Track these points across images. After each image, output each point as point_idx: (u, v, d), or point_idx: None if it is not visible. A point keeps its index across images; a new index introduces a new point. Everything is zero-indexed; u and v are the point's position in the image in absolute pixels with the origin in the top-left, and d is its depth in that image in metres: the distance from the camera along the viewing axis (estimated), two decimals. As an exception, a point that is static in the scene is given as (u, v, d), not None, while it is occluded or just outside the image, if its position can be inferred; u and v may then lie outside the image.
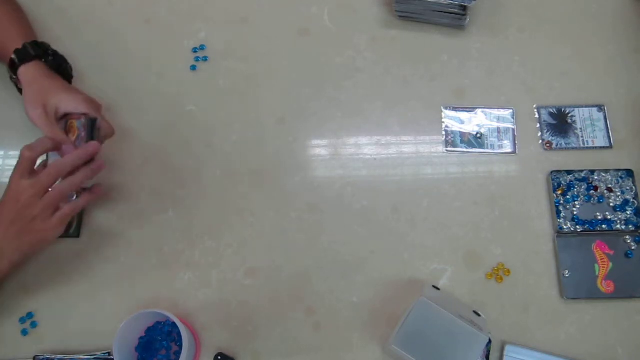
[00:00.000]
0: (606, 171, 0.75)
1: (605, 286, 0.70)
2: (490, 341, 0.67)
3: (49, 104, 0.70)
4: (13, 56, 0.72)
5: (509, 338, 0.69)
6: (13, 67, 0.73)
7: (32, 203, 0.64)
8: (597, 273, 0.71)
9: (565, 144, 0.78)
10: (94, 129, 0.70)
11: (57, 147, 0.68)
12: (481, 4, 0.85)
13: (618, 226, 0.73)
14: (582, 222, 0.73)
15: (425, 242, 0.74)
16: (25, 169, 0.65)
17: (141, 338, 0.69)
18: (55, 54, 0.76)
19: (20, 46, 0.72)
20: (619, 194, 0.74)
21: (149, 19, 0.86)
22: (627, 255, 0.72)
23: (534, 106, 0.80)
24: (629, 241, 0.72)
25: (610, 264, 0.71)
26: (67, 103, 0.70)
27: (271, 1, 0.87)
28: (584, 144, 0.78)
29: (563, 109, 0.79)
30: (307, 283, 0.72)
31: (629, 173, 0.75)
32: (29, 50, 0.73)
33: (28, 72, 0.72)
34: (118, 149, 0.79)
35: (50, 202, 0.65)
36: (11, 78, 0.75)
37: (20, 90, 0.74)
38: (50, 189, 0.65)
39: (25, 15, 0.81)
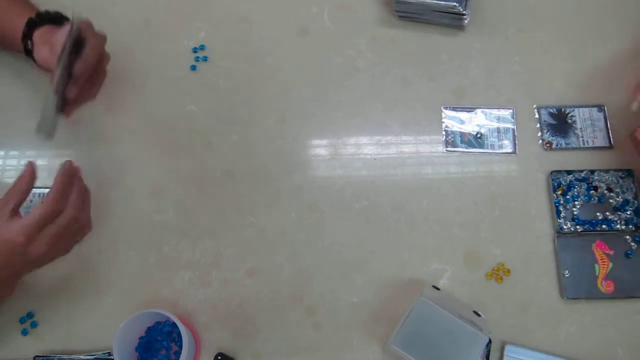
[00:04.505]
0: (606, 171, 0.75)
1: (605, 286, 0.70)
2: (490, 341, 0.67)
3: (53, 43, 0.68)
4: (25, 29, 0.71)
5: (509, 338, 0.69)
6: (26, 39, 0.71)
7: (46, 252, 0.62)
8: (597, 273, 0.71)
9: (565, 144, 0.78)
10: (75, 36, 0.65)
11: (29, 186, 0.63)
12: (481, 4, 0.85)
13: (618, 226, 0.73)
14: (582, 222, 0.73)
15: (425, 242, 0.74)
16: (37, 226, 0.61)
17: (141, 338, 0.69)
18: (62, 16, 0.73)
19: (29, 17, 0.71)
20: (619, 193, 0.74)
21: (149, 18, 0.86)
22: (627, 255, 0.72)
23: (534, 106, 0.80)
24: (629, 241, 0.72)
25: (610, 264, 0.71)
26: (61, 34, 0.66)
27: (271, 1, 0.87)
28: (584, 144, 0.78)
29: (563, 109, 0.79)
30: (307, 283, 0.72)
31: (629, 173, 0.75)
32: (42, 16, 0.71)
33: (41, 32, 0.70)
34: (118, 149, 0.79)
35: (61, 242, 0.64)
36: (27, 53, 0.73)
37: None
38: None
39: None
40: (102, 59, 0.72)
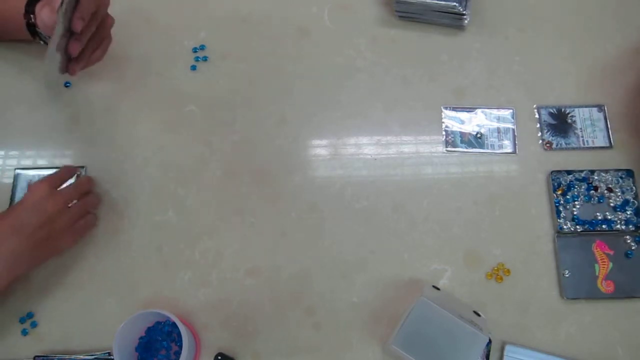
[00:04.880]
0: (606, 171, 0.75)
1: (605, 286, 0.70)
2: (490, 341, 0.67)
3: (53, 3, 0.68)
4: (26, 6, 0.70)
5: (509, 338, 0.69)
6: (28, 14, 0.71)
7: (62, 212, 0.68)
8: (597, 273, 0.71)
9: (565, 144, 0.78)
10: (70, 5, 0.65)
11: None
12: (481, 4, 0.85)
13: (618, 226, 0.73)
14: (582, 222, 0.73)
15: (425, 242, 0.74)
16: (58, 180, 0.70)
17: (141, 338, 0.69)
18: None
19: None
20: (619, 194, 0.74)
21: (149, 18, 0.86)
22: (627, 255, 0.72)
23: (534, 106, 0.80)
24: (629, 241, 0.72)
25: (610, 264, 0.71)
26: None
27: (271, 1, 0.87)
28: (584, 144, 0.78)
29: (563, 109, 0.79)
30: (307, 283, 0.72)
31: (629, 173, 0.75)
32: None
33: (42, 4, 0.70)
34: (118, 149, 0.79)
35: (75, 215, 0.70)
36: (30, 29, 0.72)
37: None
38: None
39: None
40: (105, 20, 0.73)
